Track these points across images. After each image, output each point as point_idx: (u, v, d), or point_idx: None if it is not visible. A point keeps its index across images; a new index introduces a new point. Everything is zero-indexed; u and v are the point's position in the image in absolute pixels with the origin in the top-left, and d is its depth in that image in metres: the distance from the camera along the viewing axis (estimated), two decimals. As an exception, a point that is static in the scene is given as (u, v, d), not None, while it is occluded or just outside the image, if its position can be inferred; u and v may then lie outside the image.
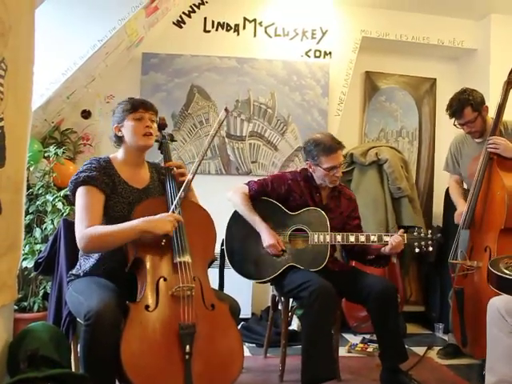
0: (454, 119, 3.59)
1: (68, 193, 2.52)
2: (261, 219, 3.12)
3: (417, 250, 3.04)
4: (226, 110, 2.51)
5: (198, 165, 2.51)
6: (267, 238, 3.07)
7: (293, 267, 3.06)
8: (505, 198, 3.26)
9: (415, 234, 3.06)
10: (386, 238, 3.02)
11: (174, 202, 2.42)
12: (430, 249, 3.03)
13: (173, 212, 2.38)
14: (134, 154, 2.56)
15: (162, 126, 2.72)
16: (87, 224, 2.30)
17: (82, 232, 2.29)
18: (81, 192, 2.39)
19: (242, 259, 3.18)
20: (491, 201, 3.40)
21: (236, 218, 3.23)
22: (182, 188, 2.47)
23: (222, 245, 3.25)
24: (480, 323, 3.22)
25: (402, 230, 3.10)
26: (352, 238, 3.05)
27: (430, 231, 3.09)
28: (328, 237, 3.05)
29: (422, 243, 3.04)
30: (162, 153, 2.70)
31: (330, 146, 3.09)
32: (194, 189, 2.70)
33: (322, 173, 3.13)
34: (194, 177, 2.53)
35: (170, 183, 2.54)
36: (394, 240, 2.98)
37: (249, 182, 3.28)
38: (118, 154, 2.59)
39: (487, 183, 3.42)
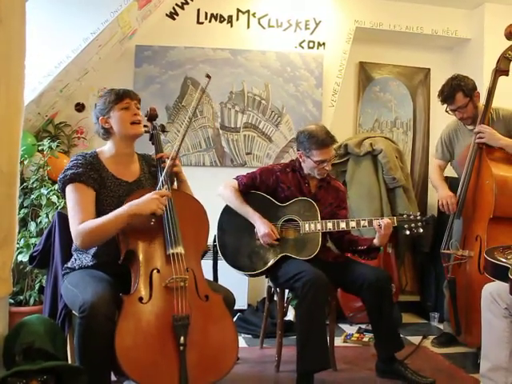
0: (446, 105, 3.61)
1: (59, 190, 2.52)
2: (253, 210, 3.14)
3: (407, 233, 3.05)
4: (207, 76, 2.46)
5: (183, 136, 2.50)
6: (261, 227, 3.08)
7: (286, 258, 3.07)
8: (493, 187, 3.29)
9: (404, 216, 3.07)
10: (376, 222, 3.03)
11: (161, 178, 2.41)
12: (421, 230, 3.05)
13: (161, 185, 2.38)
14: (123, 145, 2.55)
15: (152, 116, 2.71)
16: (79, 221, 2.31)
17: (76, 230, 2.31)
18: (69, 190, 2.39)
19: (235, 253, 3.19)
20: (481, 190, 3.43)
21: (227, 212, 3.26)
22: (169, 159, 2.47)
23: (214, 241, 3.26)
24: (472, 312, 3.26)
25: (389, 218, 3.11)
26: (343, 225, 3.07)
27: (419, 213, 3.11)
28: (319, 225, 3.07)
29: (412, 225, 3.05)
30: (153, 144, 2.68)
31: (323, 140, 3.11)
32: (188, 182, 2.70)
33: (312, 165, 3.16)
34: (180, 148, 2.52)
35: (160, 168, 2.54)
36: (383, 222, 3.00)
37: (237, 176, 3.29)
38: (106, 148, 2.57)
39: (477, 172, 3.45)
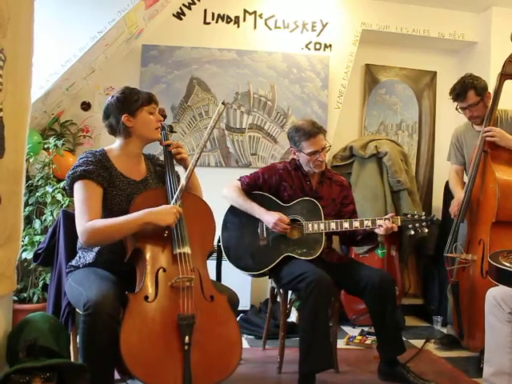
0: (456, 104, 3.62)
1: (66, 187, 2.51)
2: (258, 205, 3.15)
3: (412, 233, 3.04)
4: (223, 103, 2.51)
5: (198, 157, 2.51)
6: (270, 217, 3.08)
7: (289, 258, 3.07)
8: (496, 191, 3.28)
9: (409, 216, 3.06)
10: (379, 222, 3.02)
11: (176, 194, 2.42)
12: (425, 230, 3.03)
13: (174, 203, 2.38)
14: (137, 146, 2.55)
15: (161, 117, 2.71)
16: (88, 218, 2.29)
17: (83, 226, 2.28)
18: (78, 186, 2.37)
19: (238, 253, 3.19)
20: (484, 194, 3.43)
21: (231, 212, 3.26)
22: (184, 178, 2.47)
23: (219, 241, 3.26)
24: (474, 316, 3.25)
25: (391, 214, 3.10)
26: (346, 225, 3.06)
27: (423, 213, 3.09)
28: (322, 225, 3.07)
29: (417, 225, 3.03)
30: (161, 144, 2.69)
31: (310, 130, 3.13)
32: (196, 175, 2.70)
33: (306, 158, 3.17)
34: (194, 167, 2.52)
35: (169, 167, 2.55)
36: (386, 224, 2.99)
37: (240, 177, 3.30)
38: (115, 146, 2.56)
39: (481, 176, 3.45)
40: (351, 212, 3.31)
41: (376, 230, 3.04)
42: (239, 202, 3.21)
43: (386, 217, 3.04)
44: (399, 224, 3.02)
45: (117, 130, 2.51)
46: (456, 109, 3.65)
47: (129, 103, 2.48)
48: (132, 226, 2.28)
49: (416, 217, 3.04)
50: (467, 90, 3.53)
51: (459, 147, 3.86)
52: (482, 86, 3.55)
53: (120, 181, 2.48)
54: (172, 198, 2.43)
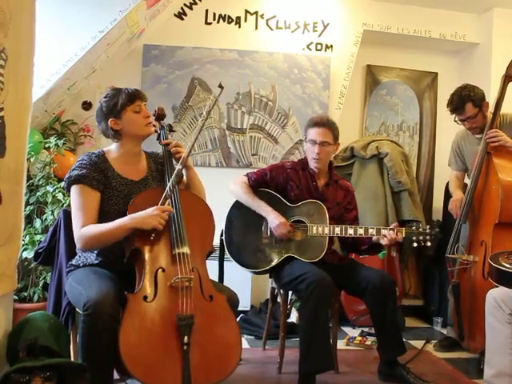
0: (454, 115, 3.60)
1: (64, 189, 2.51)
2: (266, 203, 3.15)
3: (414, 245, 3.04)
4: (220, 86, 2.45)
5: (194, 141, 2.51)
6: (275, 219, 3.07)
7: (291, 259, 3.06)
8: (499, 192, 3.27)
9: (413, 228, 3.06)
10: (384, 232, 3.02)
11: (164, 193, 2.39)
12: (429, 244, 3.03)
13: (164, 199, 2.36)
14: (132, 145, 2.54)
15: (160, 116, 2.71)
16: (82, 224, 2.31)
17: (78, 232, 2.32)
18: (74, 191, 2.39)
19: (240, 249, 3.19)
20: (487, 195, 3.42)
21: (236, 208, 3.25)
22: (177, 167, 2.46)
23: (222, 235, 3.25)
24: (475, 317, 3.24)
25: (395, 224, 3.10)
26: (351, 231, 3.06)
27: (428, 226, 3.08)
28: (327, 229, 3.06)
29: (420, 238, 3.02)
30: (160, 143, 2.68)
31: (317, 121, 3.20)
32: (199, 176, 2.70)
33: (307, 147, 3.23)
34: (189, 153, 2.52)
35: (168, 166, 2.54)
36: (391, 234, 2.99)
37: (247, 173, 3.30)
38: (112, 147, 2.56)
39: (484, 177, 3.44)
40: (353, 218, 3.31)
41: (380, 241, 3.04)
42: (246, 198, 3.20)
43: (391, 227, 3.04)
44: (403, 236, 3.02)
45: (107, 134, 2.52)
46: (454, 120, 3.64)
47: (111, 107, 2.46)
48: (120, 231, 2.29)
49: (421, 230, 3.04)
50: (465, 102, 3.51)
51: (460, 153, 3.86)
52: (480, 97, 3.53)
53: (117, 182, 2.47)
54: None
